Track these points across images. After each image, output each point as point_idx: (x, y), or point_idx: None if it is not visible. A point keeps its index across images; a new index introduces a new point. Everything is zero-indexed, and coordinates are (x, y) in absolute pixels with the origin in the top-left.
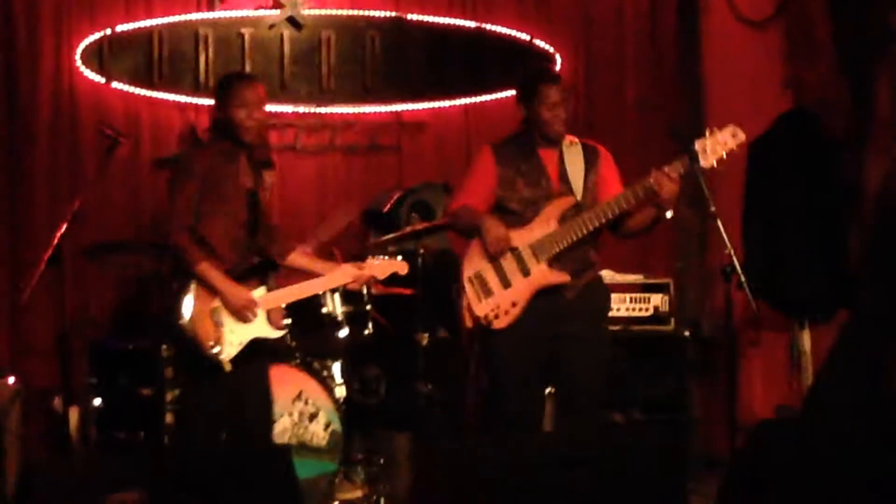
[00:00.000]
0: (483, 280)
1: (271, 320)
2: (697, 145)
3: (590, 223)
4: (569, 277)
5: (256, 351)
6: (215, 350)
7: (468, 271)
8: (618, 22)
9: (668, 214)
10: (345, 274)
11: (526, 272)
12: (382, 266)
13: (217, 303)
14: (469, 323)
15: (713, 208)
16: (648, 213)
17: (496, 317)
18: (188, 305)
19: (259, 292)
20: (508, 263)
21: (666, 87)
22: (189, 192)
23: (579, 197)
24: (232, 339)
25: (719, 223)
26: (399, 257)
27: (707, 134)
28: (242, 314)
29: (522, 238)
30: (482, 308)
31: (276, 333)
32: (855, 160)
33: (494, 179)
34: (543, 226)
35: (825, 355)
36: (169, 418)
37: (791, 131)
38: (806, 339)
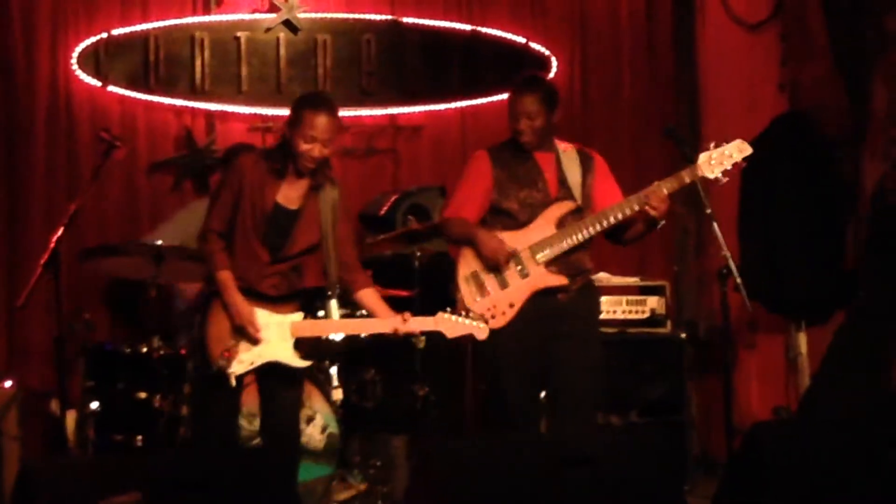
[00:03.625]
0: (479, 280)
1: (300, 350)
2: (703, 157)
3: (589, 228)
4: (567, 280)
5: (280, 375)
6: (222, 362)
7: (464, 270)
8: (613, 23)
9: (660, 224)
10: (385, 324)
11: (524, 274)
12: (452, 325)
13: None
14: None
15: (709, 210)
16: (641, 225)
17: (493, 317)
18: (211, 312)
19: (295, 317)
20: (506, 264)
21: (662, 89)
22: (224, 199)
23: (579, 200)
24: (245, 357)
25: (716, 226)
26: (480, 324)
27: (712, 146)
28: (244, 331)
29: (521, 240)
30: (478, 307)
31: (299, 363)
32: (851, 162)
33: (490, 182)
34: (543, 228)
35: (822, 356)
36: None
37: (787, 134)
38: (802, 341)
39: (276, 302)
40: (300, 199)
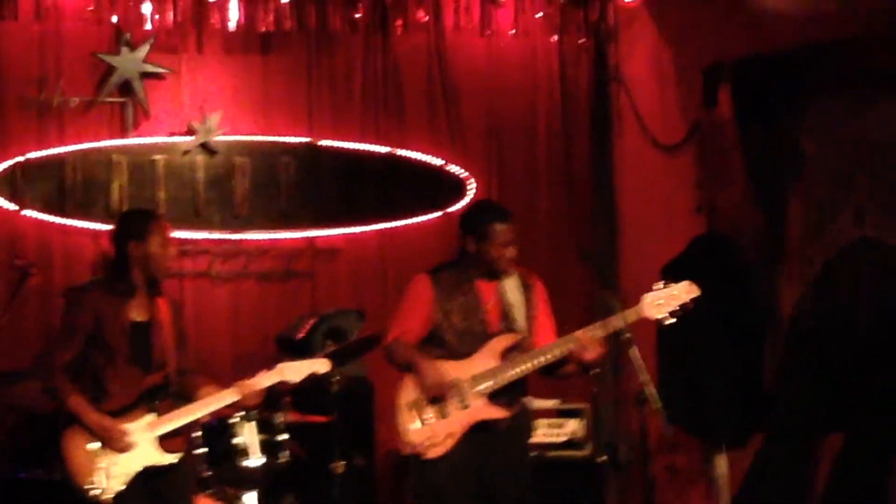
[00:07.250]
0: (421, 407)
1: (165, 446)
2: (648, 297)
3: (528, 364)
4: (507, 413)
5: (160, 475)
6: (93, 490)
7: (406, 397)
8: (531, 143)
9: (595, 370)
10: (234, 391)
11: (465, 405)
12: (294, 368)
13: (97, 442)
14: (406, 449)
15: (628, 335)
16: (573, 366)
17: (432, 445)
18: (64, 448)
19: (147, 419)
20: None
21: (579, 209)
22: (75, 336)
23: (523, 332)
24: (116, 471)
25: (633, 350)
26: (320, 361)
27: (661, 286)
28: (115, 446)
29: (463, 370)
30: (417, 436)
31: (168, 459)
32: (768, 285)
33: (430, 307)
34: (486, 360)
35: (742, 477)
36: None
37: (704, 255)
38: (722, 463)
39: (123, 413)
40: (147, 311)
